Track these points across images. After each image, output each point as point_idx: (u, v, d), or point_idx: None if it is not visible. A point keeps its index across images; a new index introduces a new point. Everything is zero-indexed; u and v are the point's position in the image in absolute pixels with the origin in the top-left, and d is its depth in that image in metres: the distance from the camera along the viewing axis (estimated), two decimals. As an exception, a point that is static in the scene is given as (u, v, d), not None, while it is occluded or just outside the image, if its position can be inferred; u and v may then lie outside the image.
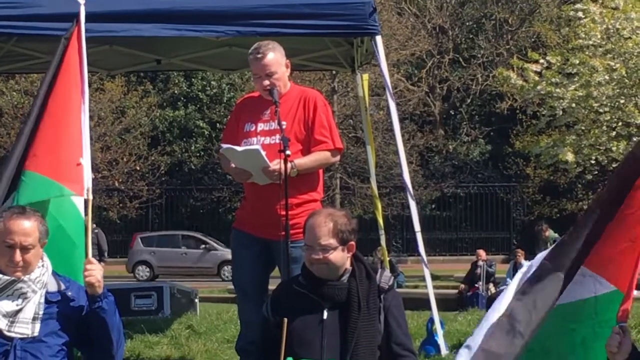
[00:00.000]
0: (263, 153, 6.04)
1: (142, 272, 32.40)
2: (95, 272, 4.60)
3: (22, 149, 5.39)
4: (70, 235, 5.15)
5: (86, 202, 5.30)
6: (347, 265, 4.80)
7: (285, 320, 4.55)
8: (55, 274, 4.74)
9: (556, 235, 22.05)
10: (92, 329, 4.64)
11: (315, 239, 4.70)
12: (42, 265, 4.66)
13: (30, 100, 31.49)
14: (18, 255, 4.53)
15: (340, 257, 4.73)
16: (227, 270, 30.57)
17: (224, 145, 6.27)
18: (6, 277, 4.54)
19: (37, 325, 4.55)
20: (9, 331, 4.52)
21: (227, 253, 31.87)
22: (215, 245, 33.22)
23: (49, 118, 5.39)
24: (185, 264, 32.56)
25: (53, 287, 4.67)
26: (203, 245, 33.46)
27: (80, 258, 5.04)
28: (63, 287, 4.69)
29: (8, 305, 4.53)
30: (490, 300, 9.27)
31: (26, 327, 4.54)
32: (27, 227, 4.57)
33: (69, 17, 7.16)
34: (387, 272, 4.91)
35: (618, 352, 4.25)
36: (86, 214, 5.29)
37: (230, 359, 7.94)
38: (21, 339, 4.52)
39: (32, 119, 5.49)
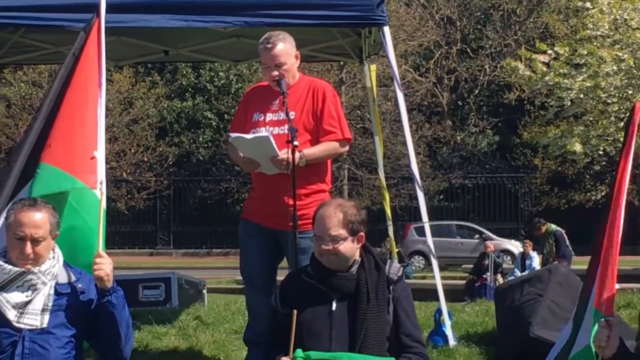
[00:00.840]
0: (272, 140, 6.01)
1: (417, 262, 31.62)
2: (105, 266, 4.59)
3: (36, 141, 5.35)
4: (93, 227, 5.10)
5: None
6: (357, 256, 4.78)
7: (295, 312, 4.54)
8: (67, 265, 4.73)
9: (554, 226, 21.93)
10: (100, 322, 4.63)
11: (325, 230, 4.69)
12: (53, 257, 4.66)
13: (38, 91, 31.57)
14: (29, 248, 4.53)
15: (350, 248, 4.72)
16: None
17: (233, 134, 6.22)
18: (16, 269, 4.54)
19: (46, 317, 4.55)
20: (17, 322, 4.52)
21: (503, 242, 31.82)
22: (490, 235, 32.65)
23: (65, 110, 5.34)
24: (462, 254, 31.28)
25: (63, 278, 4.66)
26: (477, 235, 33.02)
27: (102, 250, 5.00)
28: (74, 278, 4.69)
29: (17, 297, 4.53)
30: (498, 291, 9.25)
31: (35, 319, 4.54)
32: (37, 219, 4.56)
33: (76, 7, 7.21)
34: (397, 263, 4.89)
35: (606, 346, 4.23)
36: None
37: (238, 350, 7.92)
38: (30, 330, 4.52)
39: (48, 110, 5.44)
